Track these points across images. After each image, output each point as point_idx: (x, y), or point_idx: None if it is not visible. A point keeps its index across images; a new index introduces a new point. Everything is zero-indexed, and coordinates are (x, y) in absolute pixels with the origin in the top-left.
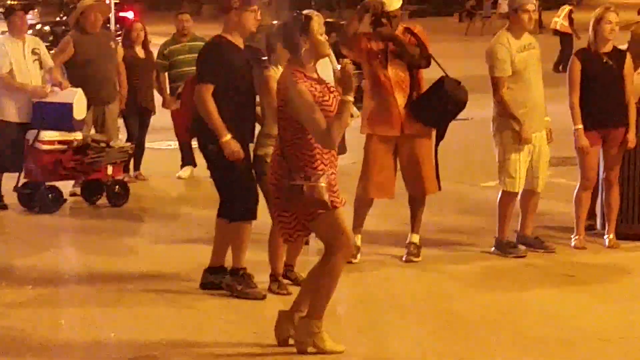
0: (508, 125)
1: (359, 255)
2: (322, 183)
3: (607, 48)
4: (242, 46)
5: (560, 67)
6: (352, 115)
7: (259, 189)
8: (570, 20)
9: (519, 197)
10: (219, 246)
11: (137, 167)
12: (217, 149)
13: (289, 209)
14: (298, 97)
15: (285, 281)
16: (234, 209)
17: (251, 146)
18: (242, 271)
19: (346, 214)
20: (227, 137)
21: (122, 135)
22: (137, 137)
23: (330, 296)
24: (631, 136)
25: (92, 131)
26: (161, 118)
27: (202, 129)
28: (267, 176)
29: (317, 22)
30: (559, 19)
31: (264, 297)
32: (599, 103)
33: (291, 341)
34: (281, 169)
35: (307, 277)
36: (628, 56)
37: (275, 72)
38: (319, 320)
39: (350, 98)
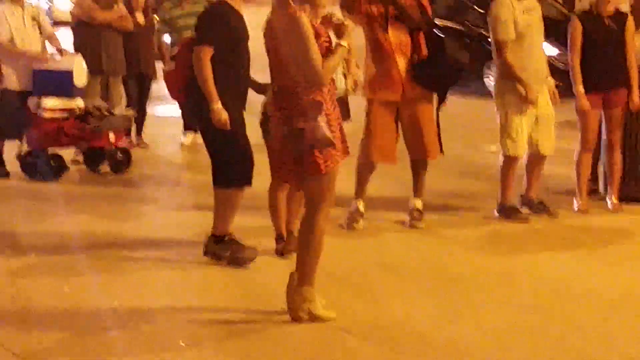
0: (510, 88)
1: (361, 221)
2: (322, 122)
3: (609, 10)
4: (242, 11)
5: None
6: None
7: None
8: None
9: (522, 160)
10: (219, 214)
11: (138, 133)
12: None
13: (288, 160)
14: (299, 28)
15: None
16: (229, 174)
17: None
18: (228, 237)
19: (349, 179)
20: (218, 104)
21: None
22: (138, 103)
23: (318, 258)
24: (635, 98)
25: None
26: (163, 84)
27: (198, 93)
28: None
29: None
30: None
31: (253, 259)
32: (599, 65)
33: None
34: (281, 118)
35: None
36: (630, 18)
37: None
38: (310, 286)
39: (344, 43)
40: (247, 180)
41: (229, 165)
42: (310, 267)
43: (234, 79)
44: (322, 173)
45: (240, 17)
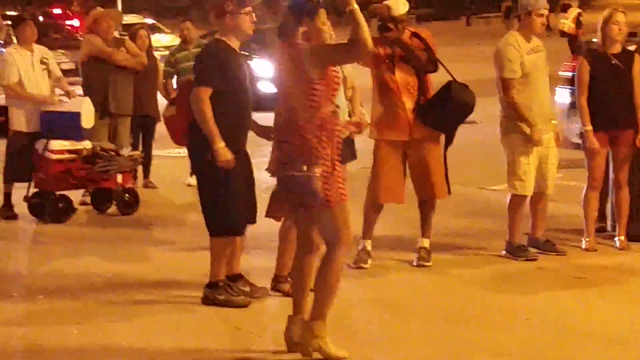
0: (516, 128)
1: (369, 261)
2: (317, 173)
3: (616, 49)
4: (238, 50)
5: None
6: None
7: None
8: (578, 23)
9: (528, 200)
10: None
11: (146, 174)
12: (211, 162)
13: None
14: (317, 45)
15: (276, 293)
16: (219, 223)
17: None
18: (221, 282)
19: (356, 220)
20: (221, 144)
21: None
22: (144, 144)
23: (334, 295)
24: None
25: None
26: None
27: (196, 137)
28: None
29: (323, 12)
30: (567, 21)
31: (248, 304)
32: (607, 104)
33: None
34: (280, 158)
35: (307, 277)
36: (637, 57)
37: None
38: (323, 322)
39: (353, 6)
40: (236, 230)
41: (219, 214)
42: (327, 304)
43: (232, 119)
44: (331, 206)
45: (236, 54)
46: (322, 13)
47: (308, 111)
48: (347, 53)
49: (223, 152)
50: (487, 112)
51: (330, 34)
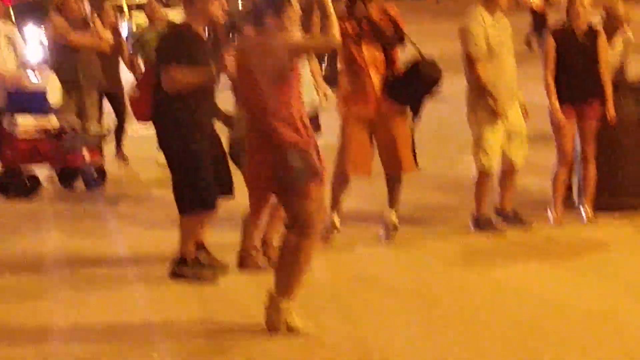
0: (482, 103)
1: (336, 235)
2: (296, 154)
3: (581, 26)
4: (204, 35)
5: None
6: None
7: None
8: (547, 1)
9: (496, 173)
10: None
11: (118, 146)
12: (178, 140)
13: (268, 186)
14: (284, 40)
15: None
16: (190, 200)
17: None
18: (190, 259)
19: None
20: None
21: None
22: (117, 117)
23: (303, 274)
24: (610, 109)
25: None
26: None
27: (163, 117)
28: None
29: (295, 2)
30: None
31: (216, 279)
32: (573, 80)
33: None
34: (255, 141)
35: (279, 254)
36: (602, 34)
37: None
38: (290, 299)
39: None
40: (208, 206)
41: (189, 191)
42: (296, 282)
43: (195, 103)
44: (310, 198)
45: (201, 41)
46: (294, 2)
47: (277, 97)
48: (318, 44)
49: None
50: (455, 87)
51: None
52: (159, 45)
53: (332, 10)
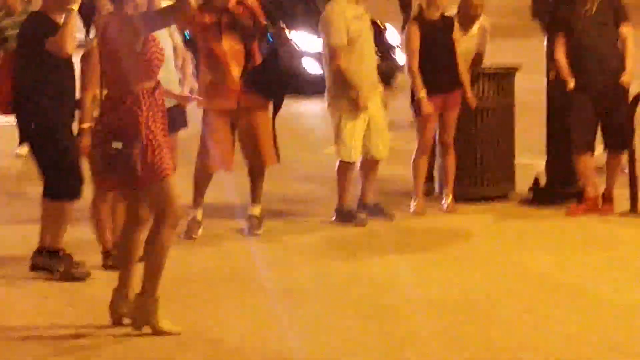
0: (343, 94)
1: (200, 230)
2: (137, 149)
3: (438, 15)
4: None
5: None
6: None
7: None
8: None
9: (358, 164)
10: (48, 227)
11: None
12: (40, 126)
13: (110, 175)
14: (141, 12)
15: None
16: (59, 187)
17: None
18: (62, 252)
19: (186, 188)
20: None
21: None
22: None
23: (162, 269)
24: (471, 97)
25: None
26: None
27: (24, 106)
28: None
29: None
30: None
31: (88, 276)
32: (436, 69)
33: (126, 320)
34: (102, 133)
35: (134, 251)
36: (455, 22)
37: None
38: (154, 298)
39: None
40: (77, 192)
41: (59, 178)
42: (156, 279)
43: (59, 91)
44: (161, 177)
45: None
46: None
47: (129, 85)
48: (169, 14)
49: None
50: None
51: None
52: (19, 33)
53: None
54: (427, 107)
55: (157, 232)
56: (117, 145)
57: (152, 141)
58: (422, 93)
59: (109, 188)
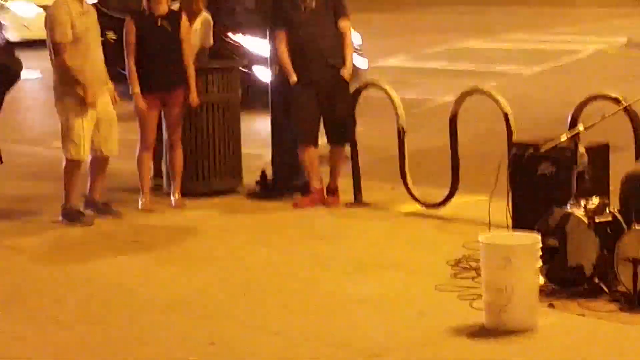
0: (70, 92)
1: None
2: None
3: (162, 10)
4: None
5: None
6: None
7: None
8: None
9: (87, 161)
10: None
11: None
12: None
13: None
14: None
15: None
16: None
17: None
18: None
19: None
20: None
21: None
22: None
23: None
24: (193, 96)
25: None
26: None
27: None
28: None
29: None
30: None
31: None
32: (156, 66)
33: None
34: None
35: None
36: (183, 17)
37: None
38: None
39: None
40: None
41: None
42: None
43: None
44: None
45: None
46: None
47: None
48: None
49: None
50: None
51: None
52: None
53: None
54: (141, 104)
55: None
56: None
57: None
58: (136, 89)
59: None
